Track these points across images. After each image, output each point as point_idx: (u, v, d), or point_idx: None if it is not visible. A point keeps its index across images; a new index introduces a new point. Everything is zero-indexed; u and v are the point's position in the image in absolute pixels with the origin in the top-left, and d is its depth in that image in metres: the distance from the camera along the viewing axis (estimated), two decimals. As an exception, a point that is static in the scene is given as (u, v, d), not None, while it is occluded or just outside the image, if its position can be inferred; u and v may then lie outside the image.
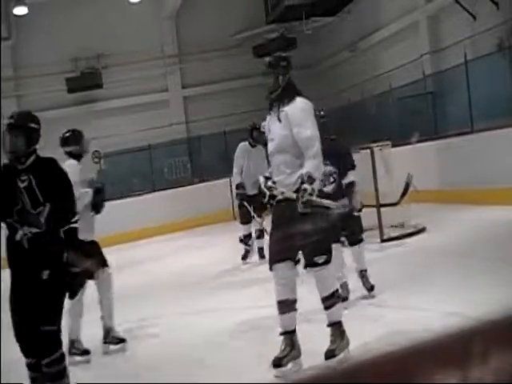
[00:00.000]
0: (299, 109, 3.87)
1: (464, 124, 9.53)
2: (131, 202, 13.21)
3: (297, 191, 3.68)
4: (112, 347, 4.96)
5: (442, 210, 8.63)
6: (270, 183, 3.82)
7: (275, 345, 3.82)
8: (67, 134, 5.20)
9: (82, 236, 4.65)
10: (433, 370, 0.59)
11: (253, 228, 7.87)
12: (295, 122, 3.82)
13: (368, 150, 7.70)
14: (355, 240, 5.24)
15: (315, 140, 3.76)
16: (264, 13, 15.40)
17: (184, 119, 17.34)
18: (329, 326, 3.84)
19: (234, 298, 6.09)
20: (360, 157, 7.85)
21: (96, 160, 15.61)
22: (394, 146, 8.43)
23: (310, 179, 3.64)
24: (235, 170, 7.90)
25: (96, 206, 5.13)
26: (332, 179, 5.09)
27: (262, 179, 3.91)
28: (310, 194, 3.61)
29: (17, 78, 16.26)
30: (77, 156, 5.14)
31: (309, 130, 3.78)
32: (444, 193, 9.19)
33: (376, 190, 7.58)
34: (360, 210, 5.34)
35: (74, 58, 16.32)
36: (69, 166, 4.87)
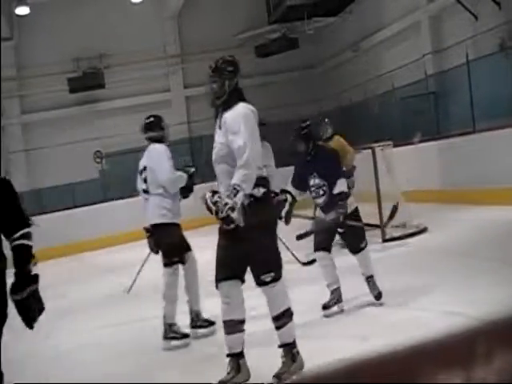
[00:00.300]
0: (238, 115, 3.62)
1: (466, 124, 9.52)
2: (134, 202, 13.20)
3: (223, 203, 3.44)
4: (201, 331, 4.96)
5: (444, 209, 8.62)
6: (216, 197, 3.53)
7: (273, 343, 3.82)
8: (150, 120, 5.29)
9: (172, 219, 4.97)
10: (435, 370, 0.59)
11: None
12: (232, 129, 3.59)
13: (369, 150, 7.69)
14: (354, 250, 5.06)
15: (246, 149, 3.47)
16: (266, 13, 15.40)
17: (186, 119, 17.35)
18: (280, 347, 3.64)
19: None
20: (362, 157, 7.85)
21: (98, 160, 15.64)
22: (395, 145, 8.41)
23: (235, 191, 3.41)
24: None
25: (186, 190, 5.15)
26: (322, 192, 4.92)
27: (208, 194, 3.60)
28: (232, 209, 3.38)
29: (19, 78, 16.28)
30: (159, 141, 5.20)
31: (242, 139, 3.51)
32: (446, 193, 9.18)
33: (377, 190, 7.57)
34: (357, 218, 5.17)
35: (76, 58, 16.34)
36: (160, 149, 5.07)
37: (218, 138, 3.71)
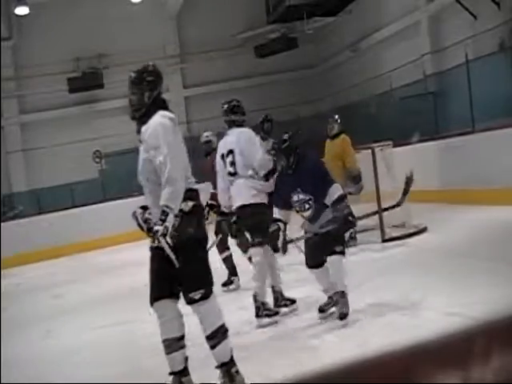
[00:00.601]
0: (155, 128, 3.41)
1: (465, 124, 9.52)
2: (132, 202, 13.19)
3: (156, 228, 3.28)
4: (285, 310, 5.06)
5: (444, 209, 8.62)
6: (147, 215, 3.39)
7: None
8: (233, 104, 5.38)
9: (263, 199, 5.10)
10: (434, 370, 0.59)
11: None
12: (151, 144, 3.39)
13: (369, 150, 7.69)
14: (326, 251, 4.60)
15: (167, 163, 3.28)
16: (265, 13, 15.39)
17: (185, 119, 17.34)
18: (217, 367, 3.50)
19: (235, 297, 6.10)
20: (361, 157, 7.86)
21: (97, 160, 15.63)
22: (395, 146, 8.41)
23: (164, 214, 3.22)
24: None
25: (270, 173, 5.18)
26: (307, 206, 4.61)
27: (138, 211, 3.45)
28: (164, 235, 3.22)
29: (18, 78, 16.28)
30: (239, 125, 5.30)
31: (162, 154, 3.31)
32: (445, 193, 9.18)
33: (377, 190, 7.57)
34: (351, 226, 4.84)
35: (76, 58, 16.35)
36: (250, 132, 5.22)
37: (141, 153, 3.52)
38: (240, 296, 6.06)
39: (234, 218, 5.31)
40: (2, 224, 12.22)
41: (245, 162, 5.09)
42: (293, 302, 5.13)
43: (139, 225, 3.42)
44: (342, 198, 4.54)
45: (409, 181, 7.35)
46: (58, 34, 15.77)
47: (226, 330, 3.50)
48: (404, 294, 4.93)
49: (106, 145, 15.77)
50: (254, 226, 5.08)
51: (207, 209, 6.18)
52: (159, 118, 3.45)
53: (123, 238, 11.73)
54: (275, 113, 7.59)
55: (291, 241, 4.67)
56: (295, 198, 4.60)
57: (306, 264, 4.75)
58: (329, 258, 4.53)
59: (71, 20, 15.76)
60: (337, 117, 7.90)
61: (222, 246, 6.63)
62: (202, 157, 7.08)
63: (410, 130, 10.17)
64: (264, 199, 5.12)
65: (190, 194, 3.41)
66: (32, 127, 16.11)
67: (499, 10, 10.15)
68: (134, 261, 8.49)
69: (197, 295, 3.39)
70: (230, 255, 6.66)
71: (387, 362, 0.60)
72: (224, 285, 6.51)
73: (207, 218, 6.15)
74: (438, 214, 8.40)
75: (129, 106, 3.59)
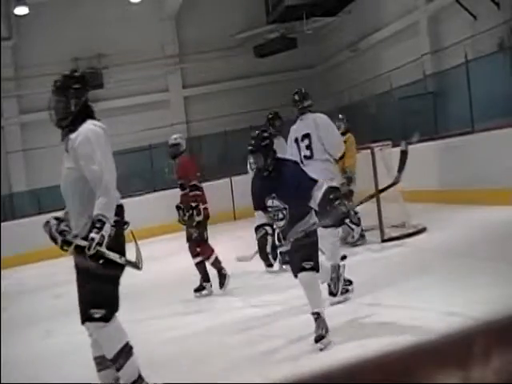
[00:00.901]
0: (87, 137, 3.26)
1: (465, 124, 9.52)
2: (131, 202, 13.21)
3: (86, 238, 3.15)
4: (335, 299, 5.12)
5: (443, 209, 8.63)
6: (63, 226, 3.26)
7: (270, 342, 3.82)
8: (303, 91, 5.69)
9: (337, 183, 5.38)
10: (434, 370, 0.59)
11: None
12: (82, 153, 3.23)
13: (368, 150, 7.70)
14: (296, 269, 4.16)
15: (102, 174, 3.20)
16: (264, 13, 15.40)
17: (184, 119, 17.35)
18: None
19: (232, 298, 6.10)
20: (360, 157, 7.87)
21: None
22: (394, 145, 8.40)
23: (100, 223, 3.12)
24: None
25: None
26: (281, 215, 4.15)
27: (53, 221, 3.31)
28: (99, 244, 3.11)
29: (17, 78, 16.27)
30: (312, 111, 5.62)
31: (96, 164, 3.20)
32: (444, 193, 9.18)
33: (376, 189, 7.56)
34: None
35: (75, 58, 16.32)
36: (326, 117, 5.54)
37: (66, 162, 3.35)
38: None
39: None
40: (2, 224, 12.22)
41: (321, 145, 5.26)
42: (350, 282, 5.15)
43: (52, 237, 3.28)
44: (334, 192, 4.15)
45: (403, 156, 7.21)
46: (58, 34, 15.77)
47: (131, 348, 3.36)
48: (404, 293, 4.93)
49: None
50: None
51: (192, 211, 6.25)
52: (90, 126, 3.33)
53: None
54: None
55: (281, 246, 4.35)
56: (269, 203, 4.21)
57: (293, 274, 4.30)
58: (299, 275, 4.11)
59: (71, 20, 15.76)
60: (341, 116, 7.94)
61: (195, 251, 6.49)
62: (201, 158, 7.09)
63: (410, 130, 10.17)
64: (336, 183, 5.28)
65: (116, 210, 3.31)
66: (32, 127, 16.10)
67: (499, 10, 10.16)
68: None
69: (97, 314, 3.25)
70: (203, 260, 6.51)
71: (387, 362, 0.60)
72: (196, 290, 6.44)
73: (187, 220, 6.26)
74: (438, 213, 8.40)
75: (53, 114, 3.43)
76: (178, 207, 6.45)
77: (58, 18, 15.75)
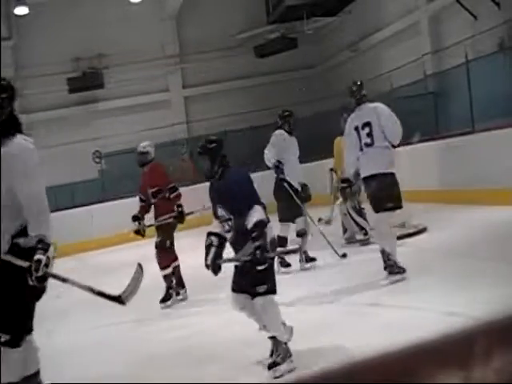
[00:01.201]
0: (20, 153, 3.10)
1: (465, 124, 9.51)
2: (132, 202, 13.20)
3: (29, 260, 2.98)
4: (393, 278, 5.34)
5: (443, 209, 8.62)
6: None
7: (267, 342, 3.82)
8: (360, 82, 5.95)
9: (394, 170, 5.51)
10: (434, 370, 0.59)
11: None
12: (16, 170, 3.06)
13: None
14: (252, 292, 3.77)
15: (39, 193, 3.11)
16: (265, 13, 15.41)
17: (185, 119, 17.36)
18: None
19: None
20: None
21: (97, 160, 15.63)
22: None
23: (44, 244, 2.99)
24: (273, 159, 6.78)
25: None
26: (227, 227, 3.83)
27: None
28: (47, 265, 2.98)
29: (18, 78, 16.26)
30: (369, 100, 5.92)
31: (32, 182, 3.09)
32: (445, 193, 9.18)
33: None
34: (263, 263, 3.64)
35: (76, 58, 16.35)
36: (385, 107, 5.84)
37: None
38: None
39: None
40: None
41: (381, 133, 5.49)
42: (404, 270, 5.34)
43: None
44: (260, 224, 3.65)
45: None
46: (58, 33, 15.77)
47: (38, 373, 3.28)
48: (404, 293, 4.93)
49: (105, 145, 15.78)
50: (384, 194, 5.38)
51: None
52: (23, 141, 3.16)
53: (123, 238, 11.75)
54: (275, 113, 7.60)
55: (226, 260, 3.93)
56: (218, 212, 3.89)
57: (233, 289, 3.93)
58: (254, 300, 3.75)
59: (71, 20, 15.77)
60: (345, 115, 7.91)
61: (170, 256, 6.34)
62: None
63: (411, 130, 10.17)
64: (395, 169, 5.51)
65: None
66: (32, 127, 16.11)
67: (499, 9, 10.16)
68: (134, 261, 8.47)
69: (3, 338, 3.09)
70: (178, 266, 6.38)
71: (387, 362, 0.60)
72: (162, 301, 6.26)
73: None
74: (438, 214, 8.40)
75: None
76: (135, 217, 6.36)
77: (58, 18, 15.76)
